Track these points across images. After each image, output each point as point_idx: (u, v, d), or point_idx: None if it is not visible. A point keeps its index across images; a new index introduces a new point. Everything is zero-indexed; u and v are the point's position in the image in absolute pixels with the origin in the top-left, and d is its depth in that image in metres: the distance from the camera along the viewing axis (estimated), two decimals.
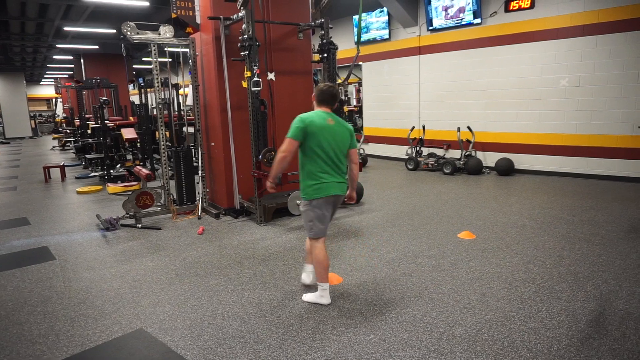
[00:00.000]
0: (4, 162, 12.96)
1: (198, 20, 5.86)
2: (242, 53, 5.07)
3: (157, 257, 4.40)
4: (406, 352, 2.62)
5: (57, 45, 14.73)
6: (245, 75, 5.12)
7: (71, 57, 17.77)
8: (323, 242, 3.26)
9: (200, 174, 6.15)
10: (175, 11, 5.73)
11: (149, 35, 5.65)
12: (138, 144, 9.26)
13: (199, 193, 6.13)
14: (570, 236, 4.59)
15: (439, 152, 9.26)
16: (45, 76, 26.82)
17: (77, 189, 7.92)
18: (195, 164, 6.36)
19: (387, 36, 10.15)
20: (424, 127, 9.38)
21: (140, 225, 5.45)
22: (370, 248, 4.46)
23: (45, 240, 5.08)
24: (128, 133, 8.98)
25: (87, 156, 10.04)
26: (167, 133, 7.40)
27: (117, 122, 9.94)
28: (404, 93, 10.01)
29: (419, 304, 3.21)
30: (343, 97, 9.75)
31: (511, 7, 7.84)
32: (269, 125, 5.62)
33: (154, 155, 8.94)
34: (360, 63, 10.99)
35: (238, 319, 3.10)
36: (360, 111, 12.01)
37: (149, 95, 9.87)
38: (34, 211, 6.53)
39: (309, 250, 3.38)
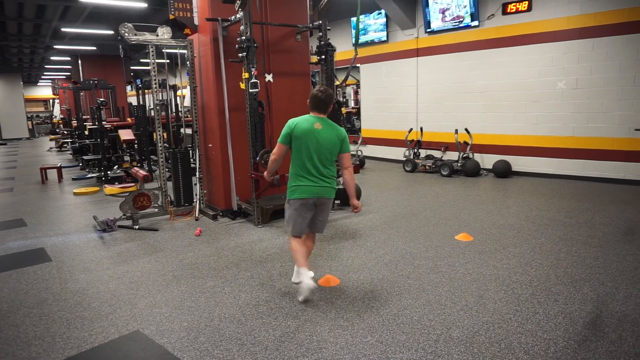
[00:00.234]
0: (1, 163, 12.92)
1: (196, 22, 5.86)
2: (240, 54, 5.07)
3: (154, 259, 4.39)
4: (403, 354, 2.62)
5: (55, 47, 14.71)
6: (243, 77, 5.12)
7: (69, 58, 17.75)
8: (298, 240, 3.39)
9: (197, 176, 6.14)
10: (173, 12, 5.73)
11: (147, 37, 5.65)
12: (135, 146, 9.25)
13: (196, 194, 6.12)
14: (567, 238, 4.60)
15: (437, 154, 9.27)
16: (42, 77, 26.77)
17: (74, 190, 7.90)
18: (192, 165, 6.35)
19: (385, 38, 10.17)
20: (421, 129, 9.40)
21: (137, 227, 5.44)
22: (368, 250, 4.46)
23: (41, 242, 5.06)
24: (126, 134, 8.98)
25: (85, 157, 10.02)
26: (165, 134, 7.39)
27: (115, 123, 9.93)
28: (402, 95, 10.03)
29: (416, 306, 3.20)
30: (341, 99, 9.75)
31: (509, 10, 7.87)
32: (267, 126, 5.62)
33: (152, 156, 8.94)
34: (358, 65, 11.00)
35: (235, 320, 3.10)
36: (358, 113, 12.02)
37: (146, 96, 9.87)
38: (30, 212, 6.50)
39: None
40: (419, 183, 7.93)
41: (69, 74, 22.26)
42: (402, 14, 9.24)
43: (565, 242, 4.49)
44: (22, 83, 22.97)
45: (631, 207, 5.75)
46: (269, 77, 5.80)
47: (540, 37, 7.59)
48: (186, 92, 6.45)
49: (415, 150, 9.25)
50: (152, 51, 5.65)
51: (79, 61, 17.10)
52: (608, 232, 4.74)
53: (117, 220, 5.50)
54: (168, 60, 6.54)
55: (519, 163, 8.18)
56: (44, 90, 30.49)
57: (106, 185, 7.87)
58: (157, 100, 5.90)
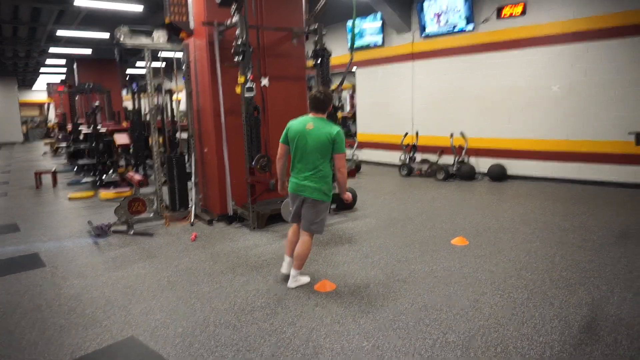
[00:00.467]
0: None
1: (192, 26, 5.85)
2: (236, 58, 5.07)
3: (149, 264, 4.37)
4: (400, 359, 2.61)
5: (50, 50, 14.65)
6: (239, 81, 5.12)
7: (64, 62, 17.68)
8: (292, 228, 3.82)
9: (193, 180, 6.12)
10: (169, 16, 5.72)
11: (143, 40, 5.64)
12: (131, 150, 9.21)
13: (191, 199, 6.10)
14: (562, 242, 4.62)
15: (432, 158, 9.29)
16: (37, 81, 26.65)
17: (69, 195, 7.85)
18: (188, 170, 6.33)
19: (380, 42, 10.20)
20: (417, 133, 9.42)
21: (132, 232, 5.41)
22: (364, 254, 4.46)
23: (35, 247, 5.03)
24: (121, 139, 8.94)
25: (79, 162, 9.97)
26: (161, 139, 7.37)
27: (110, 127, 9.89)
28: (398, 99, 10.05)
29: (412, 311, 3.20)
30: (337, 103, 9.77)
31: (503, 14, 7.93)
32: (262, 131, 5.61)
33: (147, 161, 8.90)
34: (354, 69, 11.03)
35: (231, 326, 3.08)
36: (354, 117, 12.04)
37: (142, 100, 9.84)
38: (24, 217, 6.46)
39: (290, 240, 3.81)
40: (415, 187, 7.94)
41: (64, 77, 22.19)
42: (397, 18, 9.28)
43: (560, 245, 4.50)
44: (17, 87, 22.87)
45: (625, 210, 5.78)
46: (264, 81, 5.80)
47: (534, 41, 7.64)
48: (182, 96, 6.44)
49: (411, 154, 9.27)
50: (148, 55, 5.64)
51: (74, 65, 17.05)
52: (602, 236, 4.76)
53: (112, 225, 5.47)
54: (164, 64, 6.52)
55: (514, 166, 8.21)
56: (38, 94, 30.35)
57: (101, 190, 7.83)
58: (152, 104, 5.88)
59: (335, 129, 3.45)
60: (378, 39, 10.21)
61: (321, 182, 3.50)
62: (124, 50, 10.12)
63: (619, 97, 6.87)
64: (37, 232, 5.64)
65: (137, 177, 5.83)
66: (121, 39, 5.54)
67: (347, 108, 14.15)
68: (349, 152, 9.36)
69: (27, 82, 27.02)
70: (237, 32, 5.05)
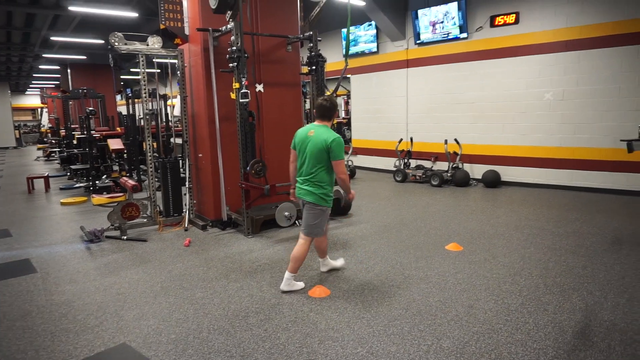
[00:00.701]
0: None
1: (187, 32, 5.87)
2: (231, 64, 5.08)
3: (142, 270, 4.33)
4: None
5: (44, 55, 14.61)
6: (234, 87, 5.12)
7: (58, 67, 17.65)
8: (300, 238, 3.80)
9: (187, 186, 6.10)
10: (163, 22, 5.73)
11: (137, 46, 5.64)
12: (125, 155, 9.17)
13: (186, 205, 6.07)
14: (556, 248, 4.64)
15: (427, 164, 9.33)
16: (30, 86, 26.54)
17: (61, 200, 7.79)
18: (182, 175, 6.31)
19: (375, 49, 10.26)
20: (411, 140, 9.46)
21: (125, 237, 5.37)
22: (358, 260, 4.45)
23: (27, 253, 4.97)
24: (115, 144, 8.90)
25: (72, 167, 9.91)
26: (155, 144, 7.34)
27: (104, 132, 9.85)
28: (392, 105, 10.10)
29: (406, 317, 3.19)
30: None
31: (496, 23, 8.01)
32: (257, 136, 5.61)
33: (141, 166, 8.86)
34: (348, 76, 11.08)
35: (224, 332, 3.06)
36: (348, 123, 12.08)
37: (136, 105, 9.82)
38: (16, 223, 6.39)
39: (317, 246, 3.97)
40: (410, 193, 7.96)
41: (57, 82, 22.12)
42: (392, 25, 9.35)
43: (554, 251, 4.52)
44: (9, 92, 22.74)
45: (618, 216, 5.82)
46: (259, 87, 5.81)
47: (527, 50, 7.72)
48: (176, 101, 6.43)
49: (406, 160, 9.30)
50: (143, 61, 5.63)
51: (68, 70, 17.01)
52: (596, 242, 4.79)
53: (105, 230, 5.43)
54: (158, 70, 6.53)
55: (508, 173, 8.26)
56: (32, 99, 30.23)
57: (94, 195, 7.78)
58: (147, 109, 5.87)
59: (333, 136, 3.51)
60: (373, 46, 10.28)
61: (315, 187, 3.59)
62: (119, 56, 10.11)
63: (610, 105, 6.95)
64: (28, 238, 5.58)
65: (131, 182, 5.80)
66: (115, 45, 5.54)
67: (342, 114, 14.20)
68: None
69: (20, 87, 26.90)
70: (232, 38, 5.07)
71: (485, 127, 8.45)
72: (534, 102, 7.74)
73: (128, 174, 8.78)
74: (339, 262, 4.18)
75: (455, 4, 8.32)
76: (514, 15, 7.76)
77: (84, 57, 15.04)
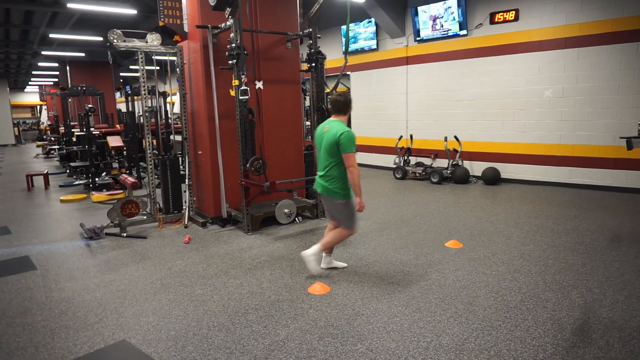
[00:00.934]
0: None
1: (186, 29, 5.85)
2: (230, 62, 5.07)
3: (142, 267, 4.34)
4: None
5: (43, 52, 14.57)
6: (233, 84, 5.11)
7: (56, 64, 17.59)
8: (331, 223, 4.06)
9: (187, 183, 6.10)
10: (162, 19, 5.71)
11: (136, 43, 5.62)
12: (124, 152, 9.16)
13: (185, 202, 6.07)
14: (555, 245, 4.64)
15: (427, 161, 9.33)
16: (29, 83, 26.48)
17: (61, 198, 7.79)
18: (182, 172, 6.31)
19: (375, 46, 10.24)
20: (411, 137, 9.46)
21: (125, 234, 5.37)
22: (358, 257, 4.45)
23: (26, 250, 4.97)
24: (114, 141, 8.89)
25: (72, 164, 9.89)
26: (154, 141, 7.34)
27: (103, 129, 9.84)
28: (392, 102, 10.09)
29: (406, 313, 3.20)
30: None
31: (496, 19, 7.99)
32: (257, 133, 5.61)
33: (141, 163, 8.85)
34: (348, 73, 11.06)
35: (224, 329, 3.06)
36: (348, 120, 12.06)
37: (135, 103, 9.81)
38: (15, 220, 6.39)
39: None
40: (409, 190, 7.96)
41: (56, 80, 22.07)
42: (391, 22, 9.33)
43: (553, 248, 4.53)
44: (8, 89, 22.70)
45: (617, 214, 5.82)
46: (259, 85, 5.80)
47: (527, 47, 7.71)
48: (176, 98, 6.42)
49: (405, 157, 9.30)
50: (142, 58, 5.62)
51: (67, 67, 16.96)
52: (595, 239, 4.79)
53: (105, 227, 5.43)
54: (158, 67, 6.51)
55: (507, 170, 8.26)
56: (31, 97, 30.16)
57: (94, 193, 7.78)
58: (146, 106, 5.86)
59: (343, 129, 3.60)
60: (372, 43, 10.26)
61: (330, 181, 3.75)
62: (118, 53, 10.09)
63: (610, 102, 6.94)
64: (28, 235, 5.58)
65: (131, 179, 5.80)
66: (114, 42, 5.52)
67: None
68: None
69: (19, 84, 26.85)
70: (232, 35, 5.05)
71: (485, 124, 8.45)
72: (534, 99, 7.74)
73: (128, 171, 8.78)
74: (340, 264, 4.18)
75: (454, 0, 8.31)
76: (514, 12, 7.74)
77: (83, 55, 15.01)
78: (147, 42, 5.70)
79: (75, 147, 10.35)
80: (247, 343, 2.87)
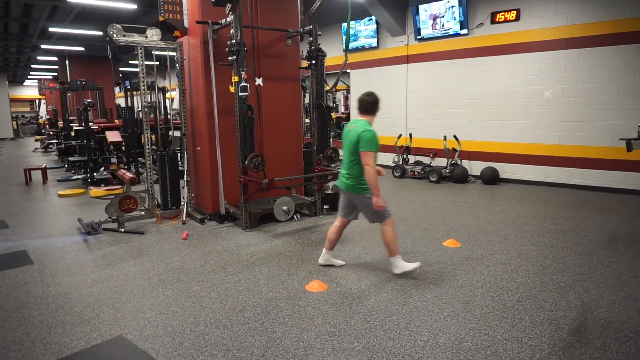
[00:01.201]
0: None
1: (186, 24, 5.83)
2: (230, 58, 5.05)
3: (140, 262, 4.33)
4: None
5: (42, 46, 14.51)
6: (233, 80, 5.10)
7: (56, 58, 17.51)
8: (338, 220, 4.09)
9: (185, 179, 6.09)
10: (163, 14, 5.69)
11: (136, 38, 5.60)
12: (123, 147, 9.14)
13: (184, 198, 6.06)
14: (553, 245, 4.65)
15: (426, 160, 9.32)
16: (28, 77, 26.38)
17: (59, 192, 7.77)
18: (180, 168, 6.30)
19: (375, 44, 10.22)
20: (410, 135, 9.45)
21: (122, 230, 5.36)
22: (355, 255, 4.46)
23: (24, 244, 4.96)
24: (113, 136, 8.87)
25: (70, 159, 9.87)
26: (153, 137, 7.32)
27: (102, 124, 9.81)
28: (392, 101, 10.07)
29: (403, 312, 3.20)
30: (331, 104, 9.77)
31: (497, 19, 7.98)
32: (256, 130, 5.59)
33: (139, 158, 8.84)
34: (348, 70, 11.04)
35: (221, 326, 3.06)
36: (348, 118, 12.06)
37: (135, 98, 9.78)
38: (13, 214, 6.38)
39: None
40: (408, 189, 7.96)
41: (56, 74, 21.99)
42: (392, 20, 9.31)
43: (551, 249, 4.54)
44: (7, 82, 22.62)
45: (615, 214, 5.83)
46: (259, 81, 5.78)
47: (527, 47, 7.70)
48: (175, 94, 6.40)
49: (404, 156, 9.30)
50: (141, 53, 5.60)
51: (67, 61, 16.88)
52: (592, 240, 4.80)
53: (103, 222, 5.42)
54: (157, 62, 6.48)
55: (506, 170, 8.27)
56: (30, 90, 30.05)
57: (92, 188, 7.76)
58: (145, 102, 5.84)
59: (365, 128, 3.63)
60: (373, 41, 10.23)
61: (351, 179, 3.79)
62: (117, 48, 10.05)
63: (609, 103, 6.94)
64: (26, 229, 5.57)
65: (129, 174, 5.79)
66: (114, 36, 5.50)
67: (341, 109, 14.17)
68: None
69: (18, 78, 26.75)
70: (232, 31, 5.04)
71: (485, 123, 8.45)
72: (534, 99, 7.73)
73: (126, 167, 8.76)
74: (338, 262, 4.19)
75: None
76: (515, 12, 7.73)
77: (82, 49, 14.93)
78: (146, 37, 5.68)
79: (73, 142, 10.33)
80: (244, 340, 2.87)
